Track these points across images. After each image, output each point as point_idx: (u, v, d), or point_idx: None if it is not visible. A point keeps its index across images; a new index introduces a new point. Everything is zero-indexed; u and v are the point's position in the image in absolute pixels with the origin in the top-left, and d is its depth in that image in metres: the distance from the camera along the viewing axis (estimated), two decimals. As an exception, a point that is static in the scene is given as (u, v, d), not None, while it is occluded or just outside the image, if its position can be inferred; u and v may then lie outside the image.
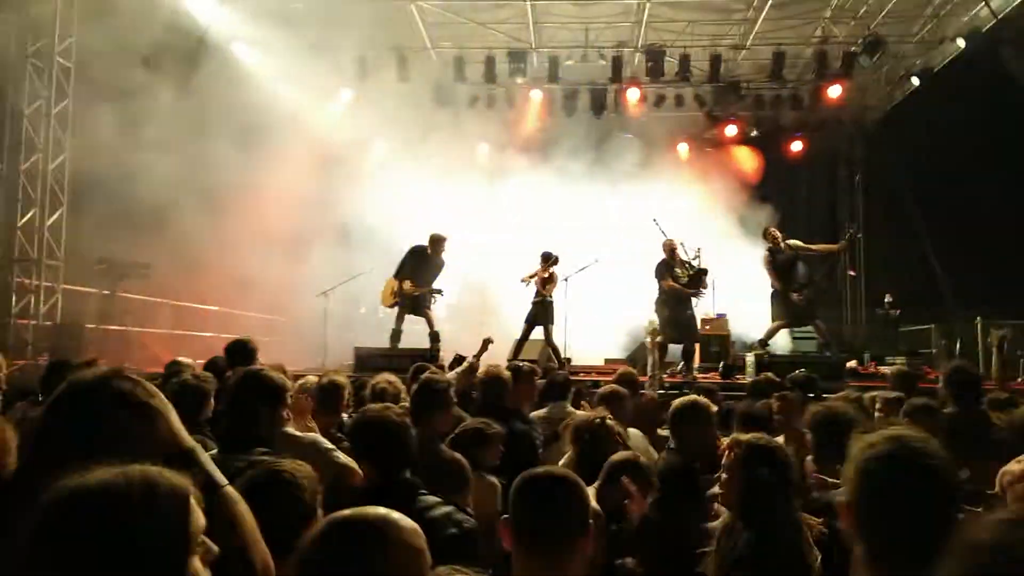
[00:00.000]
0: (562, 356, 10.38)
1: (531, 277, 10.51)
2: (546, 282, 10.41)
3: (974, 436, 3.79)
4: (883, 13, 12.95)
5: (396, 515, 1.50)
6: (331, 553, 1.44)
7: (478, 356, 6.75)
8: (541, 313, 10.32)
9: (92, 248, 10.56)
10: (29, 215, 10.43)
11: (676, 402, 3.79)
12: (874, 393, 4.96)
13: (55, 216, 10.69)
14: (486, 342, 7.00)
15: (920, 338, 13.15)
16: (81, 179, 10.70)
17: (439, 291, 10.71)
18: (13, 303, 10.12)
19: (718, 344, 11.63)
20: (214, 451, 2.98)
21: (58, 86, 10.68)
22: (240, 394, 3.04)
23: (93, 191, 10.40)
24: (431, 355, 9.56)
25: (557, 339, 10.78)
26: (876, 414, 4.47)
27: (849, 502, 1.76)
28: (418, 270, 10.45)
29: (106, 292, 10.70)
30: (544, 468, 2.29)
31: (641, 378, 6.77)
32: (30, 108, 10.43)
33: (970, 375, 4.79)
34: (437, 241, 10.50)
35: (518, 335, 10.52)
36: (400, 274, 10.49)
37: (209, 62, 11.75)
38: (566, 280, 11.15)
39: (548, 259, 10.50)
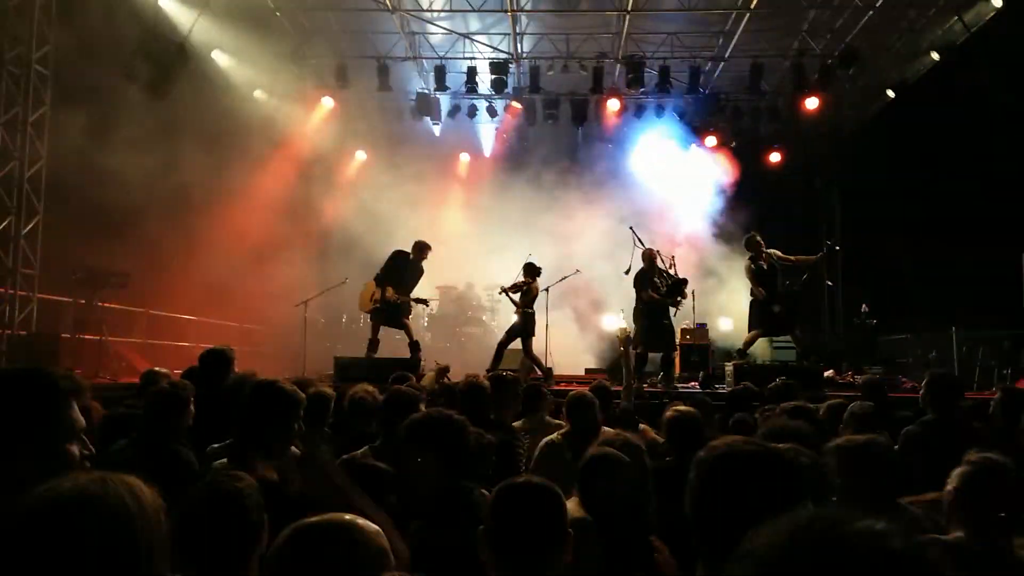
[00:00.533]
0: (544, 366, 10.35)
1: (514, 289, 10.47)
2: (526, 294, 10.39)
3: (950, 442, 3.83)
4: (859, 27, 13.15)
5: (360, 519, 1.60)
6: (299, 555, 1.51)
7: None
8: (524, 325, 10.31)
9: (69, 257, 10.44)
10: (5, 223, 10.29)
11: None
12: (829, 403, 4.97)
13: (31, 224, 10.55)
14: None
15: (897, 347, 13.30)
16: (58, 187, 10.58)
17: (425, 301, 10.69)
18: (-13, 312, 9.97)
19: (698, 354, 11.67)
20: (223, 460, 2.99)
21: (35, 93, 10.56)
22: (256, 405, 3.04)
23: (70, 199, 10.29)
24: (413, 364, 9.53)
25: (539, 349, 10.77)
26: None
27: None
28: (400, 276, 10.41)
29: (82, 301, 10.57)
30: (524, 478, 2.29)
31: (616, 387, 6.76)
32: (6, 115, 10.31)
33: (950, 382, 4.86)
34: (421, 248, 10.46)
35: (494, 345, 10.53)
36: (382, 279, 10.44)
37: (189, 70, 11.67)
38: (547, 290, 11.15)
39: (532, 271, 10.47)
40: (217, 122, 12.24)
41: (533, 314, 10.41)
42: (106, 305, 10.67)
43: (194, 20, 11.76)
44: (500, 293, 10.80)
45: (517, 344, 10.43)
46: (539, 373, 9.90)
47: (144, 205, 10.55)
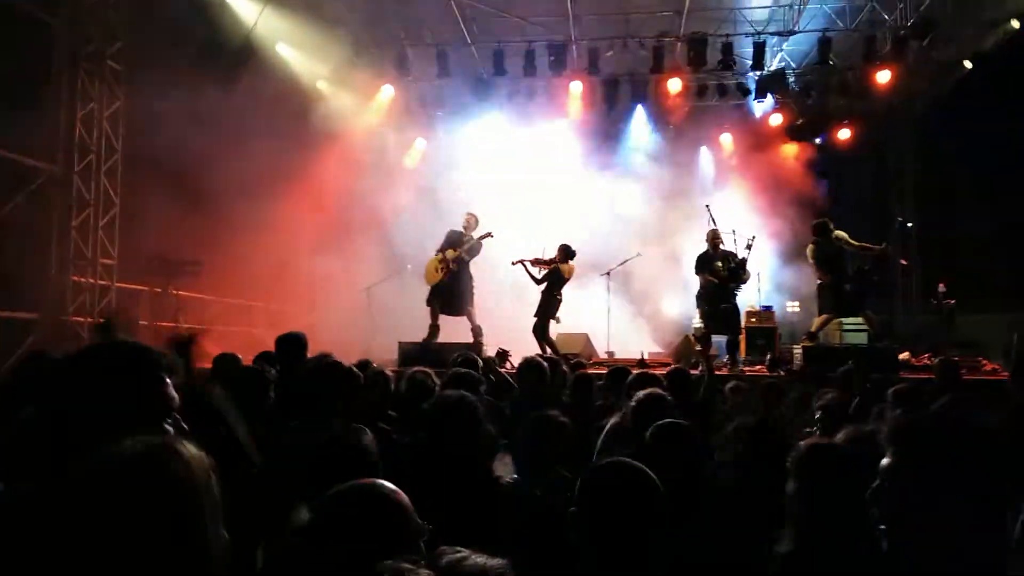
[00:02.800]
0: (558, 350, 10.13)
1: (535, 263, 10.38)
2: (555, 275, 10.25)
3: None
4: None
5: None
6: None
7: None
8: (544, 308, 10.24)
9: (145, 247, 10.84)
10: (84, 215, 10.72)
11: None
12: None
13: (108, 216, 10.97)
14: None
15: (976, 329, 12.75)
16: (133, 179, 10.96)
17: (489, 234, 10.62)
18: (69, 301, 10.41)
19: (763, 337, 11.44)
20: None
21: (109, 89, 10.95)
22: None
23: (145, 191, 10.66)
24: (475, 350, 9.58)
25: (600, 332, 10.72)
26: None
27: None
28: (459, 246, 10.55)
29: (158, 289, 10.96)
30: (616, 459, 2.26)
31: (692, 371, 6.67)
32: (83, 110, 10.71)
33: None
34: (468, 219, 10.56)
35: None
36: (441, 249, 10.63)
37: (255, 62, 11.94)
38: (607, 274, 11.05)
39: (567, 253, 10.35)
40: (282, 113, 12.50)
41: (556, 299, 10.28)
42: (181, 293, 11.05)
43: (259, 13, 11.99)
44: (514, 264, 10.62)
45: (569, 328, 10.34)
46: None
47: (215, 195, 10.85)
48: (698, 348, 9.97)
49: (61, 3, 10.38)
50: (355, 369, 3.75)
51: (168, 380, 1.80)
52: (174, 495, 1.25)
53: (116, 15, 10.91)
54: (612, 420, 4.36)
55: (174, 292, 10.93)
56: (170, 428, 1.75)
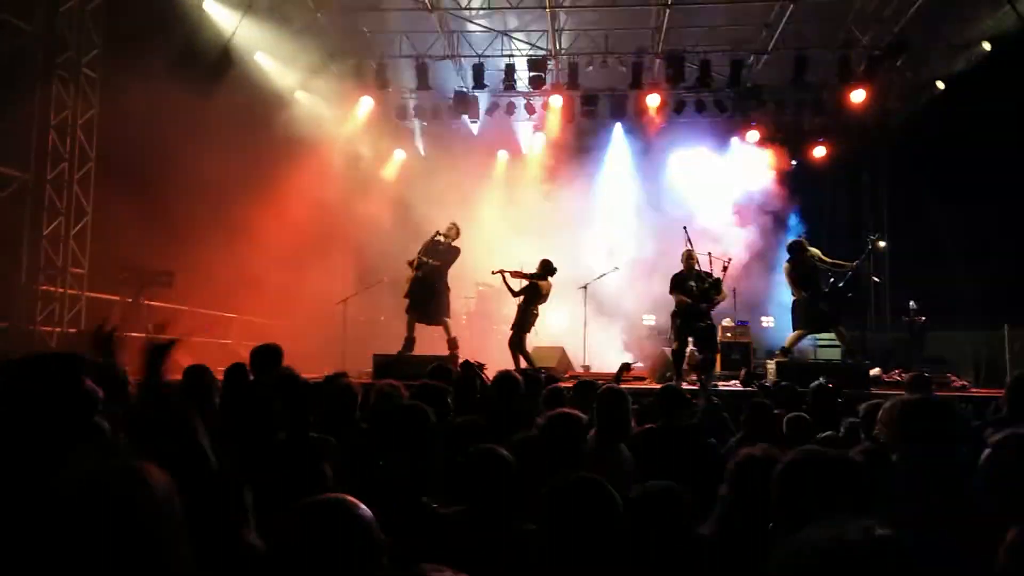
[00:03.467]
0: (534, 363, 10.14)
1: (516, 275, 10.38)
2: (532, 290, 10.26)
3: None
4: (907, 16, 12.80)
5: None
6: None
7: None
8: (520, 321, 10.24)
9: (116, 256, 10.71)
10: (55, 223, 10.58)
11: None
12: None
13: (80, 224, 10.84)
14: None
15: (946, 345, 12.93)
16: (105, 188, 10.84)
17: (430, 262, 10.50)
18: (38, 310, 10.26)
19: (739, 352, 11.51)
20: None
21: (84, 96, 10.84)
22: None
23: (117, 200, 10.54)
24: (451, 361, 9.55)
25: (576, 345, 10.72)
26: None
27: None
28: (434, 254, 10.52)
29: (129, 300, 10.82)
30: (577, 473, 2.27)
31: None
32: (57, 118, 10.59)
33: None
34: (449, 228, 10.58)
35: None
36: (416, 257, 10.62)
37: (232, 72, 11.87)
38: (584, 288, 11.07)
39: (547, 269, 10.35)
40: (259, 123, 12.44)
41: (532, 313, 10.28)
42: (151, 303, 10.92)
43: (238, 22, 11.94)
44: (494, 273, 10.56)
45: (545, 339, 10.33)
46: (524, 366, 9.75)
47: (188, 205, 10.76)
48: (673, 366, 10.00)
49: (36, 10, 10.28)
50: (310, 381, 3.73)
51: (85, 378, 1.82)
52: (139, 519, 1.25)
53: (92, 22, 10.82)
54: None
55: (146, 302, 10.79)
56: (103, 423, 1.74)
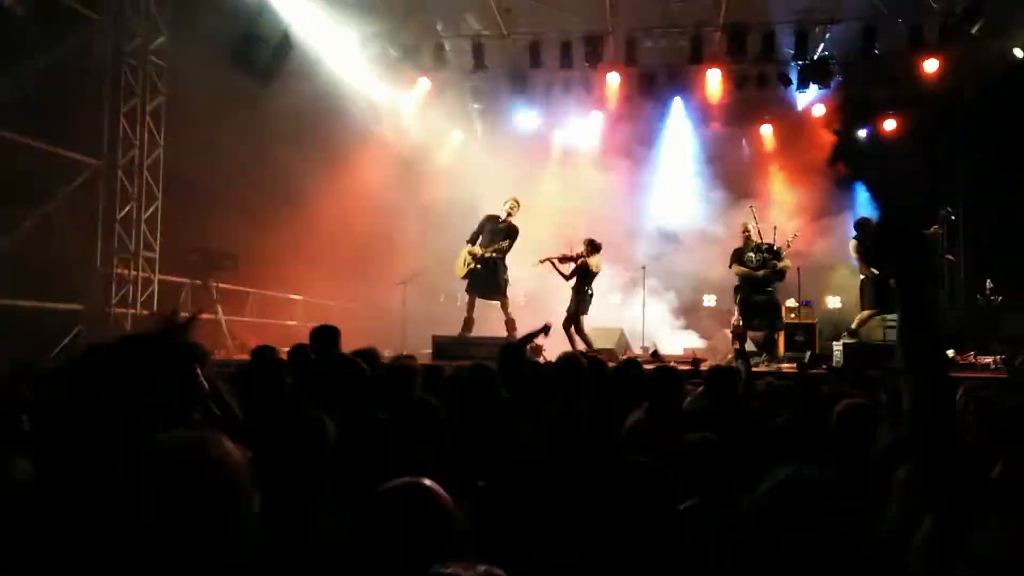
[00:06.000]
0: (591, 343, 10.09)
1: (562, 260, 10.30)
2: (583, 271, 10.15)
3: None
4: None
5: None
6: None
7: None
8: (576, 305, 10.16)
9: (186, 240, 11.03)
10: (127, 209, 10.92)
11: None
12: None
13: (151, 209, 11.16)
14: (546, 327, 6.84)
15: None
16: (175, 173, 11.14)
17: (501, 250, 10.41)
18: (113, 293, 10.63)
19: (803, 333, 11.25)
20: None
21: (152, 84, 11.12)
22: None
23: (186, 185, 10.83)
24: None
25: (635, 328, 10.62)
26: None
27: None
28: (491, 237, 10.47)
29: (198, 282, 11.14)
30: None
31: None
32: (126, 106, 10.90)
33: None
34: (512, 205, 10.53)
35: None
36: (472, 240, 10.58)
37: (293, 56, 12.02)
38: (644, 268, 10.94)
39: (593, 247, 10.25)
40: (319, 106, 12.58)
41: (587, 294, 10.20)
42: (220, 285, 11.22)
43: (297, 7, 12.07)
44: (541, 263, 10.50)
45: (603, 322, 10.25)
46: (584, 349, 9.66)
47: (252, 189, 10.99)
48: (736, 347, 9.84)
49: (104, -1, 10.57)
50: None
51: (199, 371, 1.84)
52: (218, 484, 1.28)
53: (158, 10, 11.08)
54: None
55: (214, 284, 11.09)
56: (199, 417, 1.77)
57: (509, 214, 10.46)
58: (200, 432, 1.38)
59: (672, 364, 7.90)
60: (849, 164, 15.26)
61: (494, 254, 10.28)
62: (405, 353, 7.32)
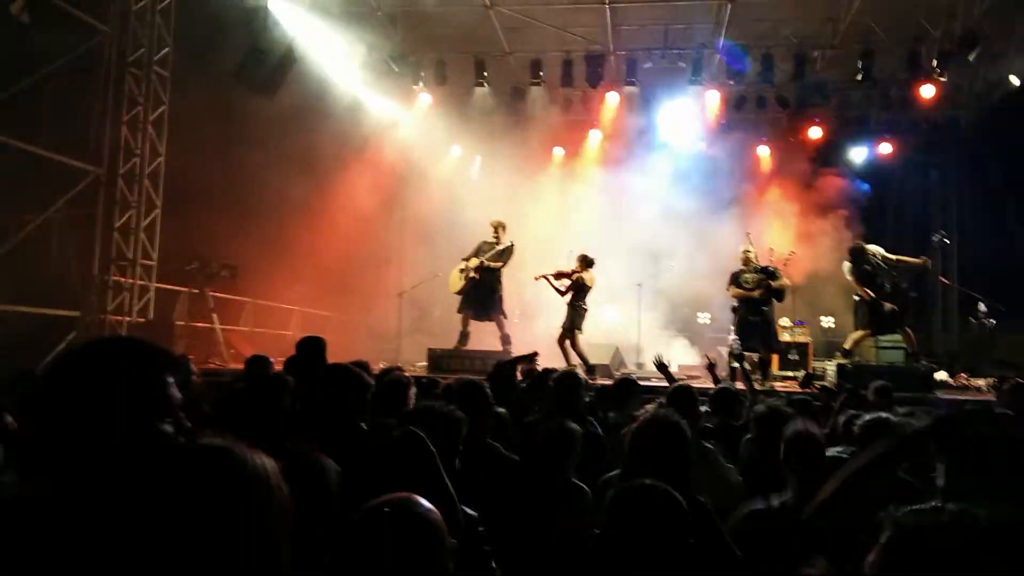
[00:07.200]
0: (587, 361, 10.13)
1: (557, 276, 10.37)
2: (577, 286, 10.22)
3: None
4: (980, 9, 12.32)
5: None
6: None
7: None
8: (571, 320, 10.20)
9: (184, 249, 11.07)
10: (126, 216, 10.97)
11: None
12: None
13: (150, 218, 11.21)
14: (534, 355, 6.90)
15: (1018, 349, 12.45)
16: (174, 183, 11.20)
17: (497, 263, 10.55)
18: (109, 300, 10.66)
19: (797, 352, 11.30)
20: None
21: (155, 93, 11.21)
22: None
23: (185, 194, 10.89)
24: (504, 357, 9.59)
25: (631, 343, 10.65)
26: None
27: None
28: (485, 256, 10.61)
29: (196, 291, 11.18)
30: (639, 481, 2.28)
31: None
32: (129, 114, 10.97)
33: None
34: (496, 226, 10.62)
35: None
36: (466, 258, 10.71)
37: (296, 69, 12.11)
38: (640, 285, 11.00)
39: (586, 262, 10.32)
40: (320, 119, 12.67)
41: (582, 309, 10.26)
42: (216, 294, 11.26)
43: (301, 21, 12.18)
44: (537, 279, 10.60)
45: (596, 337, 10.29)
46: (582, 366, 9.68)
47: (252, 200, 11.05)
48: (734, 366, 9.86)
49: (110, 9, 10.66)
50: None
51: (171, 380, 1.70)
52: (248, 492, 1.23)
53: (163, 21, 11.18)
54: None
55: (211, 294, 11.13)
56: (168, 429, 1.65)
57: (497, 236, 10.62)
58: (230, 441, 1.31)
59: (685, 378, 7.99)
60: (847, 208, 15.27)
61: (492, 263, 10.41)
62: (398, 365, 7.35)
